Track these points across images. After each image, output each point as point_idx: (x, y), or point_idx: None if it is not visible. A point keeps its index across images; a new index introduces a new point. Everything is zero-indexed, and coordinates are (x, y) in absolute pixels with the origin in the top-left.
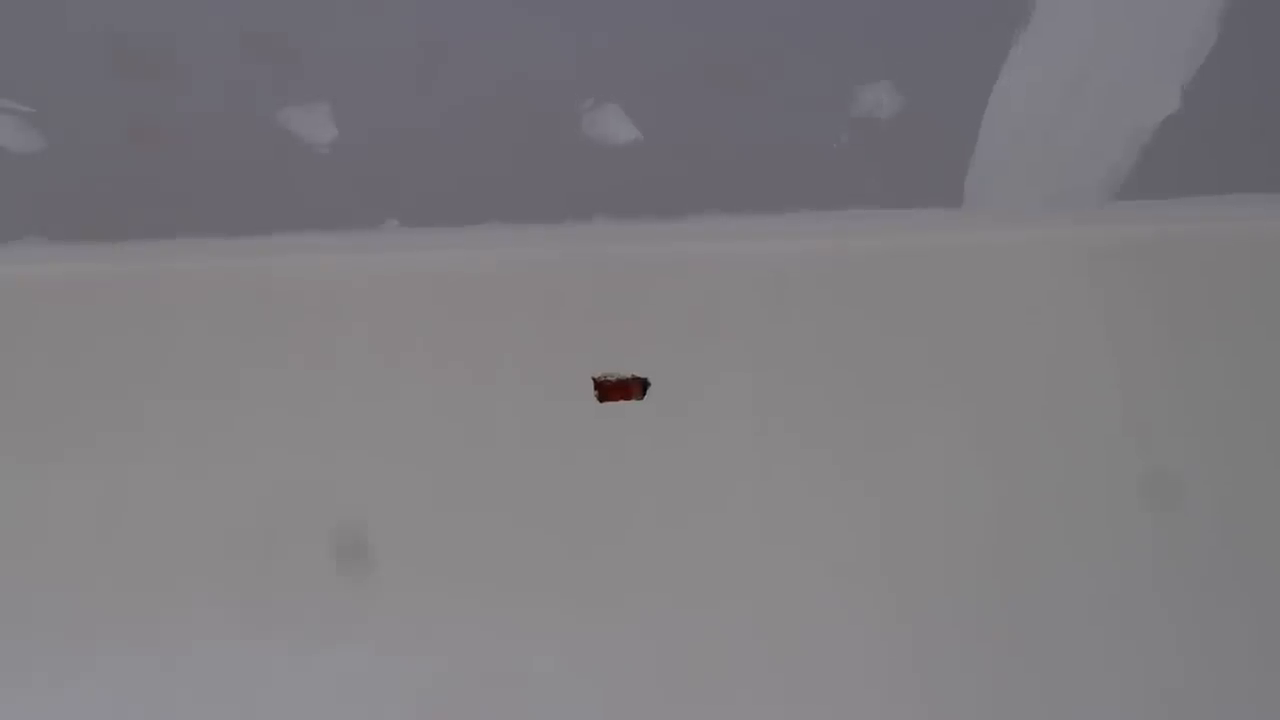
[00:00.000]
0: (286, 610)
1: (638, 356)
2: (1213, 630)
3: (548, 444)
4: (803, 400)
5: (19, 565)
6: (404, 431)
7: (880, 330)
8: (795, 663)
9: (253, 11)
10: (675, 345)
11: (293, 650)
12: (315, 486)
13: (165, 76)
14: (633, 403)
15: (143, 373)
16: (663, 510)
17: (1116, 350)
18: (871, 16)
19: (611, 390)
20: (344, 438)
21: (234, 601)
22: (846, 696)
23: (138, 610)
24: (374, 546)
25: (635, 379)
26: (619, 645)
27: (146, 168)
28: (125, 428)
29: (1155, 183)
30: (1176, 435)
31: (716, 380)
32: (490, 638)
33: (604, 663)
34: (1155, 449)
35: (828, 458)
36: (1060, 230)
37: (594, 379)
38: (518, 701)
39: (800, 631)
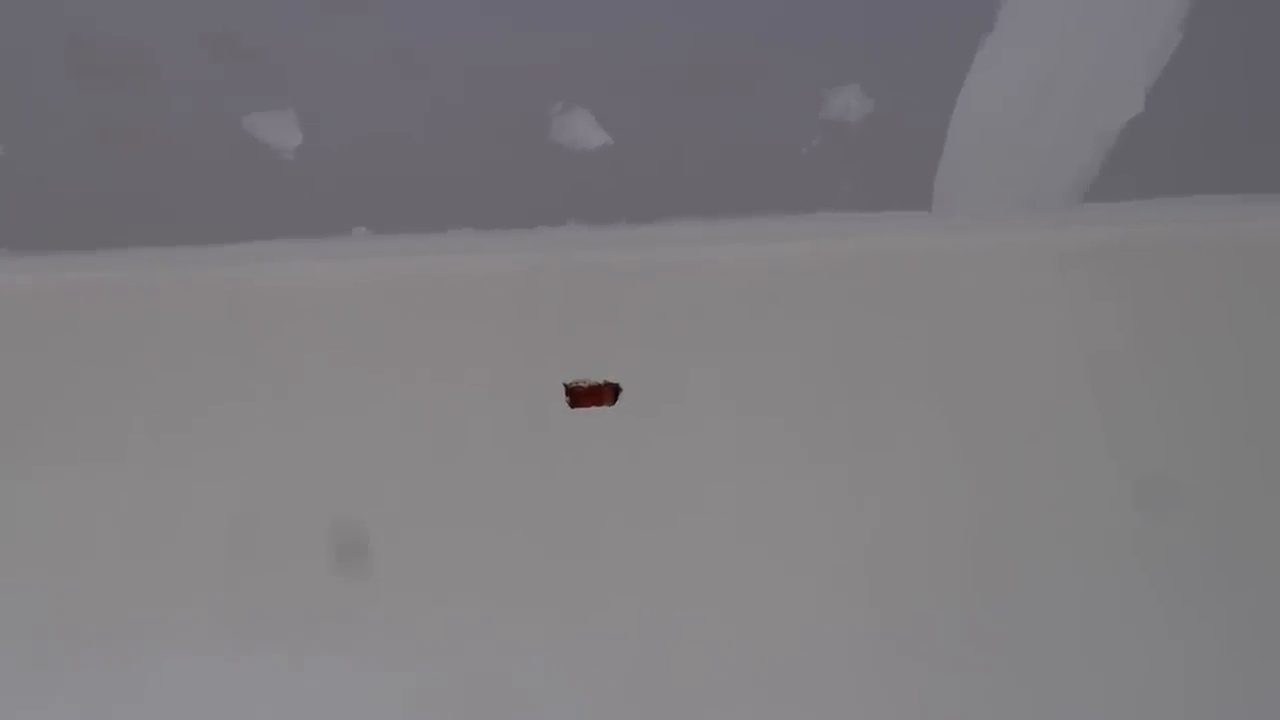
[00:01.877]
0: (264, 619)
1: (611, 363)
2: (1189, 625)
3: (522, 451)
4: (778, 404)
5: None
6: (376, 440)
7: (854, 333)
8: (777, 667)
9: (216, 15)
10: (649, 351)
11: (274, 659)
12: (287, 492)
13: (127, 82)
14: (607, 409)
15: (109, 384)
16: (641, 515)
17: (1087, 351)
18: (840, 20)
19: (583, 396)
20: (315, 447)
21: (212, 613)
22: (828, 700)
23: (118, 619)
24: (349, 555)
25: (607, 385)
26: (600, 650)
27: (109, 176)
28: (96, 438)
29: (1122, 185)
30: (1147, 434)
31: (691, 385)
32: (471, 644)
33: (586, 668)
34: (1126, 448)
35: (804, 461)
36: (1029, 232)
37: (566, 385)
38: (502, 708)
39: (782, 636)
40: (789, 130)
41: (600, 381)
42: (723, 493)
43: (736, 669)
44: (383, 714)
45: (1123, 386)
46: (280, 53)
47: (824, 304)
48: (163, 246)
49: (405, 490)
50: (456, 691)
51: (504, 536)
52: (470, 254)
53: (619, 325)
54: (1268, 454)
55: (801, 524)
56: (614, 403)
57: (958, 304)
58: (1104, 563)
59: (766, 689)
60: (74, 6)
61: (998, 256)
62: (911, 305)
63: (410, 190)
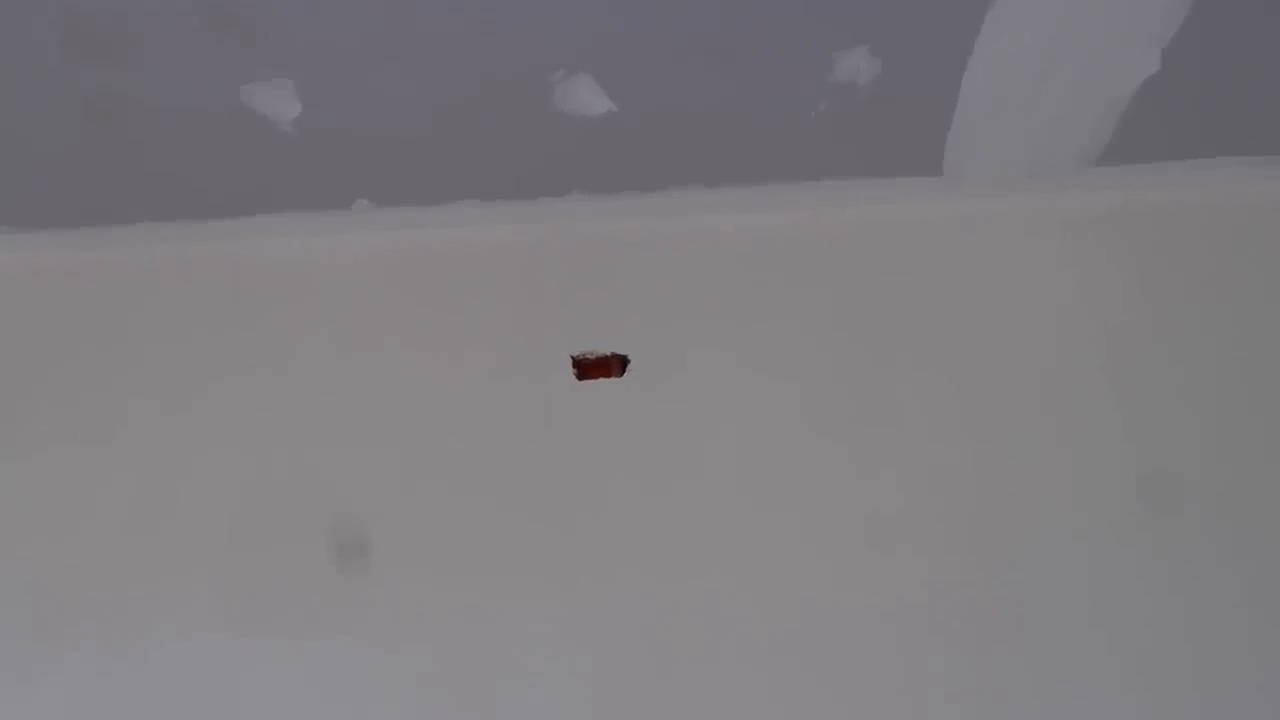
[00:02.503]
0: (265, 601)
1: (615, 334)
2: (1195, 590)
3: (526, 425)
4: (784, 374)
5: None
6: (378, 414)
7: (860, 302)
8: (782, 639)
9: None
10: (653, 322)
11: (274, 639)
12: (288, 471)
13: (119, 52)
14: (612, 380)
15: (106, 364)
16: (645, 489)
17: (1098, 318)
18: None
19: (590, 368)
20: (317, 422)
21: (211, 593)
22: (834, 672)
23: (116, 602)
24: (351, 533)
25: (614, 356)
26: (607, 625)
27: (102, 150)
28: (91, 420)
29: (1135, 148)
30: (1156, 403)
31: (696, 356)
32: (476, 622)
33: (590, 643)
34: (1134, 416)
35: (809, 431)
36: (1041, 197)
37: (573, 357)
38: (507, 687)
39: (787, 608)
40: (796, 95)
41: (608, 353)
42: (728, 464)
43: (743, 643)
44: (390, 693)
45: (1132, 355)
46: (277, 21)
47: (831, 273)
48: (160, 222)
49: (407, 466)
50: (461, 670)
51: (508, 512)
52: (473, 226)
53: (623, 296)
54: (1277, 420)
55: (806, 495)
56: (622, 374)
57: (967, 271)
58: (1110, 532)
59: (772, 661)
60: None
61: (1008, 222)
62: (920, 273)
63: (412, 162)
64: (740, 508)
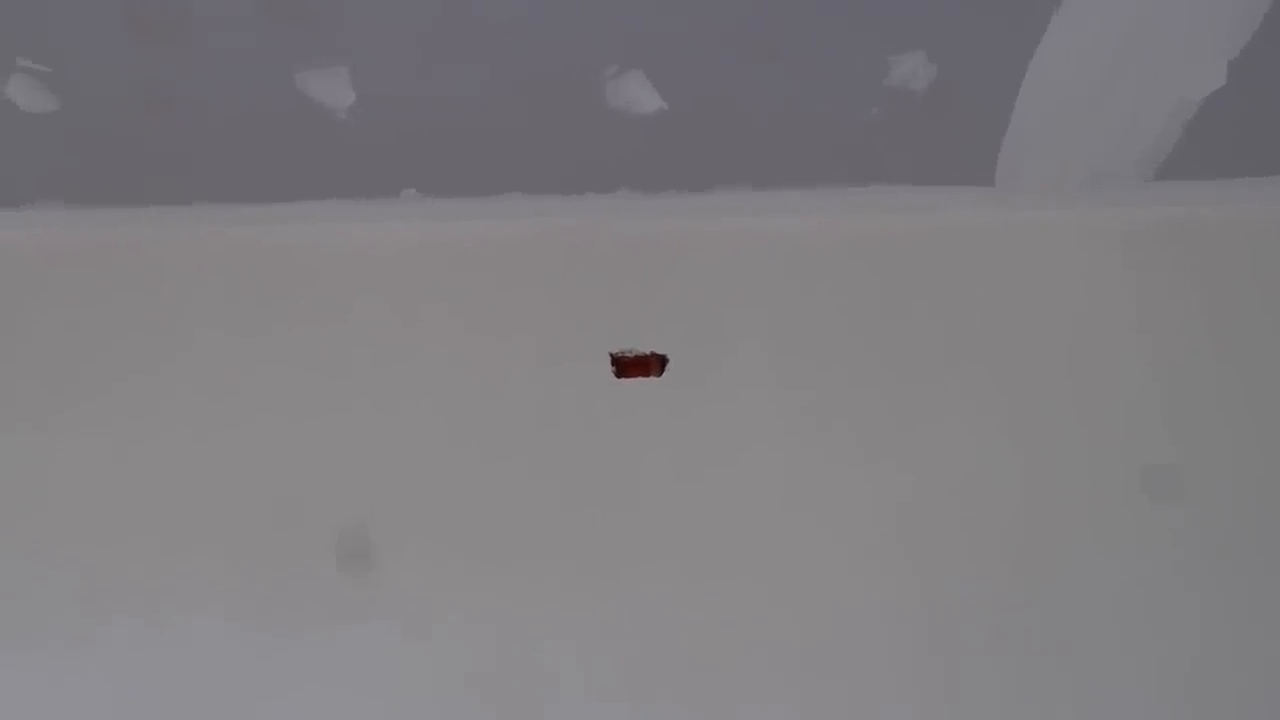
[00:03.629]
0: (295, 588)
1: (657, 331)
2: (1237, 619)
3: (565, 417)
4: (826, 378)
5: (25, 535)
6: (419, 402)
7: (907, 309)
8: (812, 638)
9: None
10: (696, 320)
11: (300, 630)
12: (329, 457)
13: (181, 37)
14: (653, 379)
15: (155, 340)
16: (681, 487)
17: (1150, 335)
18: None
19: (630, 366)
20: (358, 409)
21: (241, 579)
22: (864, 675)
23: (142, 586)
24: (388, 521)
25: (654, 355)
26: (636, 620)
27: (161, 131)
28: (137, 396)
29: (1195, 163)
30: (1209, 422)
31: (739, 355)
32: (504, 614)
33: (621, 637)
34: (1187, 435)
35: (850, 436)
36: (1095, 211)
37: (612, 355)
38: (532, 681)
39: (818, 607)
40: (849, 98)
41: (648, 352)
42: (765, 464)
43: (773, 639)
44: (415, 682)
45: (1185, 373)
46: (333, 8)
47: (876, 279)
48: (212, 204)
49: (449, 453)
50: (486, 666)
51: (544, 504)
52: (519, 218)
53: (666, 295)
54: None
55: (839, 500)
56: (661, 374)
57: (1017, 284)
58: (1149, 545)
59: (802, 659)
60: None
61: (1061, 235)
62: (968, 283)
63: (461, 152)
64: (772, 510)
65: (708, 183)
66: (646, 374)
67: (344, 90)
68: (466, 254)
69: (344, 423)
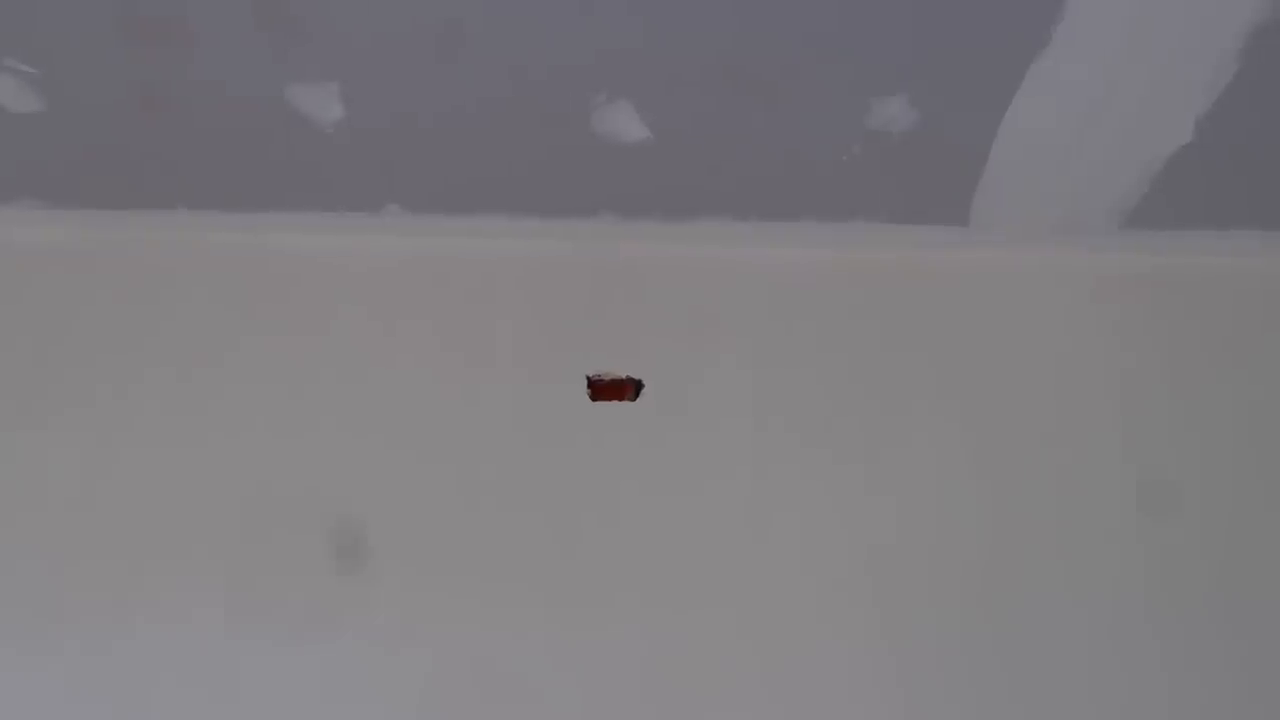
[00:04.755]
0: (272, 598)
1: (634, 357)
2: (1204, 657)
3: (538, 440)
4: (800, 410)
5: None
6: (396, 419)
7: (881, 344)
8: (781, 667)
9: None
10: (674, 347)
11: (277, 638)
12: (305, 471)
13: (173, 44)
14: (629, 403)
15: (134, 345)
16: (655, 511)
17: (1117, 378)
18: (891, 29)
19: (605, 390)
20: (334, 424)
21: (218, 586)
22: (832, 702)
23: (119, 592)
24: (364, 536)
25: (629, 379)
26: (607, 643)
27: (148, 136)
28: (114, 401)
29: (1164, 214)
30: (1175, 466)
31: (714, 384)
32: (478, 632)
33: (592, 660)
34: (1154, 478)
35: (823, 467)
36: (1065, 255)
37: (588, 378)
38: (504, 696)
39: (788, 636)
40: (830, 136)
41: (623, 376)
42: (739, 493)
43: (741, 667)
44: (389, 695)
45: (1149, 417)
46: (326, 25)
47: (852, 313)
48: (195, 210)
49: (424, 472)
50: (461, 679)
51: (519, 524)
52: (501, 239)
53: (644, 320)
54: None
55: (812, 527)
56: (635, 398)
57: (987, 322)
58: (1115, 585)
59: (770, 688)
60: None
61: (1031, 277)
62: (941, 320)
63: (445, 171)
64: (745, 537)
65: (690, 211)
66: (622, 398)
67: (333, 105)
68: (447, 272)
69: (321, 436)
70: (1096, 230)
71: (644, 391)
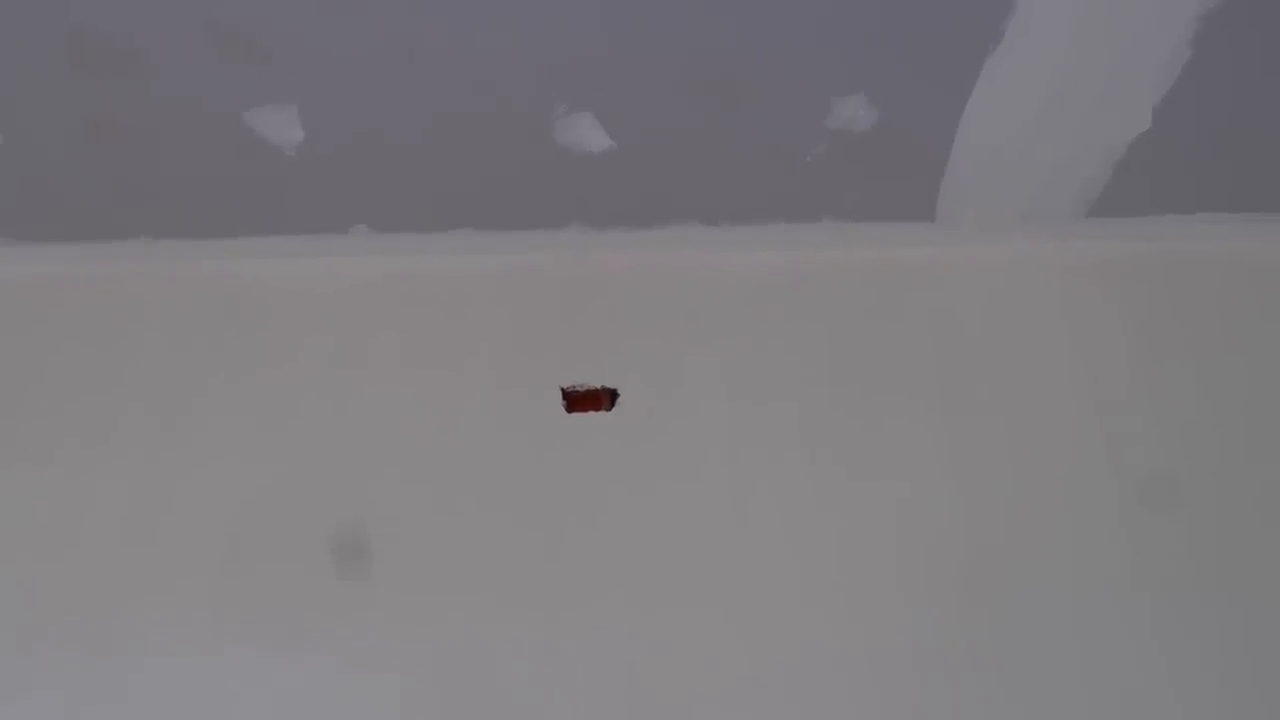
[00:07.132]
0: (258, 612)
1: (609, 366)
2: (1183, 649)
3: (519, 451)
4: (775, 411)
5: None
6: (371, 440)
7: (853, 342)
8: (769, 665)
9: (218, 7)
10: (648, 355)
11: (266, 654)
12: (282, 491)
13: (126, 72)
14: (605, 412)
15: (104, 376)
16: (637, 515)
17: (1086, 366)
18: (847, 29)
19: (579, 401)
20: (310, 445)
21: (205, 605)
22: (819, 699)
23: (110, 613)
24: (347, 550)
25: (603, 390)
26: (594, 646)
27: (106, 167)
28: (87, 431)
29: (1126, 201)
30: (1145, 450)
31: (691, 388)
32: (466, 640)
33: (580, 663)
34: (1124, 464)
35: (802, 466)
36: (1032, 246)
37: (563, 389)
38: (496, 704)
39: (774, 635)
40: (794, 138)
41: (597, 386)
42: (717, 495)
43: (729, 667)
44: (377, 709)
45: (1122, 401)
46: (283, 47)
47: (824, 312)
48: (158, 239)
49: (401, 490)
50: (450, 688)
51: (500, 535)
52: (471, 254)
53: (618, 329)
54: (1269, 471)
55: (793, 526)
56: (610, 408)
57: (959, 316)
58: (1097, 575)
59: (758, 687)
60: None
61: (1000, 269)
62: (912, 316)
63: (411, 189)
64: (728, 538)
65: (658, 219)
66: (597, 408)
67: (293, 127)
68: (417, 290)
69: (293, 459)
70: (1062, 219)
71: (621, 398)
